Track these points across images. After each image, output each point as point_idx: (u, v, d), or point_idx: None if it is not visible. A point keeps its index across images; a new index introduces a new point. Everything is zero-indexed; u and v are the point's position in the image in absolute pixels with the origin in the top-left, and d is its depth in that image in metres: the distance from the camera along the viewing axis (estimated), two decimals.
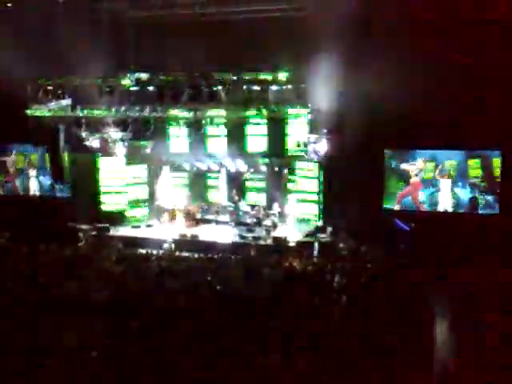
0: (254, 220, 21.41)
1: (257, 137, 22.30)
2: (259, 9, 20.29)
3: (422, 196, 20.30)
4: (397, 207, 20.49)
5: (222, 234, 20.92)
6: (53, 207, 22.68)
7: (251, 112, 20.78)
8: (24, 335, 11.78)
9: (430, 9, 18.16)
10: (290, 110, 20.83)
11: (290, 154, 21.88)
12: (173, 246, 19.82)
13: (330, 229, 20.02)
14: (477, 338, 11.56)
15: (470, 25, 17.73)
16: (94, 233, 21.25)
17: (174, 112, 21.47)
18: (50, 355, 10.52)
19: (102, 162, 22.78)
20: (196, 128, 22.11)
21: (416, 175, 20.21)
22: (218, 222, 22.09)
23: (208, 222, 22.27)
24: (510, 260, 16.01)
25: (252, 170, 22.55)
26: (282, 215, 21.68)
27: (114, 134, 22.13)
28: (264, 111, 20.69)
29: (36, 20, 20.30)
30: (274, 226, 21.08)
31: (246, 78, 20.13)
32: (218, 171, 23.01)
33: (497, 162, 19.42)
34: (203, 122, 21.69)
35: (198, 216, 22.28)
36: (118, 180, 22.78)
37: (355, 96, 18.24)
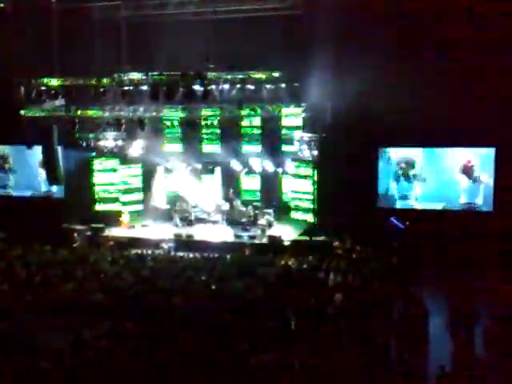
0: (249, 219, 21.43)
1: (251, 136, 22.34)
2: (253, 8, 20.30)
3: None
4: None
5: (218, 233, 20.94)
6: (47, 208, 22.70)
7: (245, 111, 20.77)
8: (20, 335, 11.76)
9: (428, 8, 18.23)
10: (285, 109, 20.84)
11: (284, 152, 21.92)
12: (169, 245, 19.82)
13: (324, 227, 20.03)
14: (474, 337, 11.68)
15: (469, 24, 17.78)
16: (88, 233, 21.23)
17: (168, 111, 21.44)
18: (47, 355, 10.50)
19: (97, 162, 22.77)
20: (190, 127, 22.09)
21: None
22: (214, 222, 22.11)
23: (204, 221, 22.33)
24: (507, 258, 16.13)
25: (247, 169, 22.56)
26: (276, 214, 21.71)
27: (108, 133, 22.10)
28: (258, 110, 20.68)
29: (30, 21, 20.24)
30: (269, 224, 21.11)
31: (240, 77, 20.11)
32: (213, 171, 23.01)
33: None
34: (198, 121, 21.67)
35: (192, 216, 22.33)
36: (112, 180, 22.79)
37: (350, 95, 18.27)
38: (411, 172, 20.82)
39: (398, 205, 21.12)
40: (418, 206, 20.89)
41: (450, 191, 20.46)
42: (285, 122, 21.68)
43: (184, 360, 10.17)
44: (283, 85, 19.88)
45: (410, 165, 20.83)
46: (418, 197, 20.87)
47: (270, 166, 22.01)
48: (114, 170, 22.93)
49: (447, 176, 20.46)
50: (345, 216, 19.35)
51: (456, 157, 20.39)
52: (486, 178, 19.95)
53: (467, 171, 20.21)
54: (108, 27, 20.86)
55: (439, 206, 20.61)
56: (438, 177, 20.60)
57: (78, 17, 20.77)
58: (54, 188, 23.98)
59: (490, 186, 19.88)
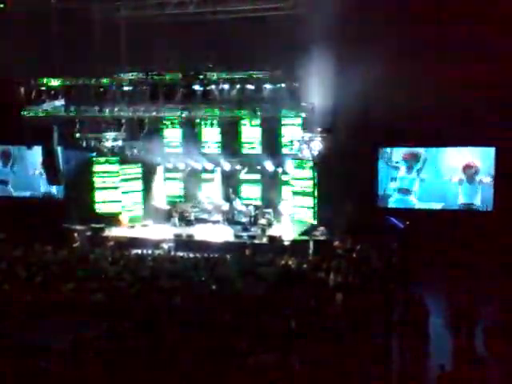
0: (249, 219, 21.44)
1: (251, 136, 22.34)
2: (253, 8, 20.31)
3: None
4: None
5: (218, 233, 20.94)
6: (48, 208, 22.72)
7: (245, 111, 20.76)
8: (21, 336, 11.77)
9: (429, 7, 18.25)
10: (284, 109, 20.82)
11: (284, 152, 21.93)
12: (169, 245, 19.82)
13: (324, 227, 20.04)
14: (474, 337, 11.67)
15: (469, 24, 17.78)
16: (88, 233, 21.23)
17: (168, 112, 21.43)
18: (47, 355, 10.50)
19: (96, 163, 22.77)
20: (190, 128, 22.08)
21: None
22: (214, 222, 22.12)
23: (204, 221, 22.33)
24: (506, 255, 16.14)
25: (247, 169, 22.56)
26: (277, 214, 21.72)
27: (107, 134, 22.10)
28: (258, 110, 20.66)
29: (29, 21, 20.24)
30: (269, 224, 21.12)
31: (240, 77, 20.13)
32: (213, 171, 23.02)
33: None
34: (197, 121, 21.67)
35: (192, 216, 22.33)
36: (112, 180, 22.79)
37: (350, 95, 18.28)
38: (416, 165, 20.88)
39: (396, 201, 21.21)
40: (418, 203, 20.94)
41: (449, 191, 20.51)
42: (285, 122, 21.65)
43: (184, 360, 10.17)
44: (283, 85, 19.88)
45: (415, 158, 20.90)
46: (418, 195, 20.96)
47: (269, 166, 22.02)
48: (114, 171, 22.90)
49: (447, 176, 20.53)
50: (345, 216, 19.38)
51: (457, 156, 20.46)
52: (486, 179, 20.03)
53: (468, 172, 20.25)
54: (108, 27, 20.85)
55: (438, 206, 20.67)
56: (437, 176, 20.66)
57: (78, 17, 20.76)
58: (54, 188, 24.11)
59: (489, 187, 19.97)
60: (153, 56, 20.45)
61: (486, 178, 20.04)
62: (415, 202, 21.03)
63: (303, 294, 13.70)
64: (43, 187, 24.54)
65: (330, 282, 15.01)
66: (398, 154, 21.12)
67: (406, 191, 21.10)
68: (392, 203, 21.27)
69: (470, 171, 20.28)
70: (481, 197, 20.18)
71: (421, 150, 20.81)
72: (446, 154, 20.62)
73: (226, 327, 11.84)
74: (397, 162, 21.03)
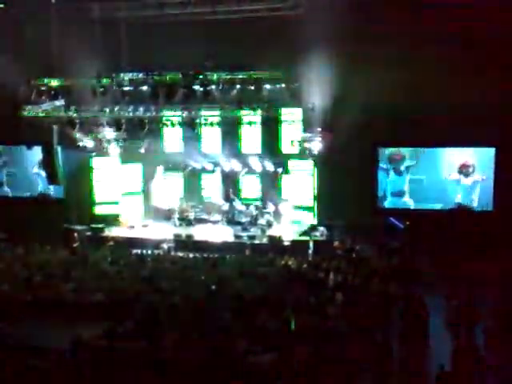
0: (249, 219, 21.43)
1: (251, 136, 22.33)
2: (253, 8, 20.31)
3: None
4: None
5: (218, 233, 20.94)
6: (48, 208, 22.72)
7: (245, 111, 20.73)
8: (20, 335, 11.77)
9: (426, 8, 18.27)
10: (284, 109, 20.82)
11: (284, 152, 21.92)
12: (169, 245, 19.81)
13: (324, 227, 20.04)
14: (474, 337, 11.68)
15: (468, 22, 17.78)
16: (88, 233, 21.22)
17: (168, 112, 21.42)
18: (47, 355, 10.50)
19: (96, 163, 22.77)
20: (190, 128, 22.07)
21: None
22: (214, 222, 22.11)
23: (204, 221, 22.33)
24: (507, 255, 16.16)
25: (246, 169, 22.55)
26: (276, 214, 21.70)
27: (108, 134, 22.09)
28: (258, 110, 20.63)
29: (29, 21, 20.24)
30: (269, 224, 21.11)
31: (240, 77, 20.12)
32: (213, 171, 23.01)
33: None
34: (197, 121, 21.65)
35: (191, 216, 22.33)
36: (112, 180, 22.77)
37: (350, 95, 18.30)
38: (402, 166, 20.90)
39: (392, 203, 21.19)
40: (414, 205, 20.94)
41: (446, 191, 20.52)
42: (284, 121, 21.63)
43: (183, 360, 10.17)
44: (283, 85, 19.88)
45: (401, 158, 20.94)
46: (415, 196, 20.97)
47: (269, 166, 22.00)
48: (114, 171, 22.89)
49: (443, 175, 20.57)
50: (345, 216, 19.40)
51: (453, 156, 20.49)
52: (483, 177, 20.04)
53: (464, 171, 20.26)
54: (108, 27, 20.85)
55: (437, 206, 20.66)
56: (434, 176, 20.68)
57: (78, 17, 20.76)
58: (51, 188, 24.07)
59: (487, 185, 19.96)
60: (153, 56, 20.42)
61: (482, 176, 20.04)
62: (410, 203, 21.04)
63: (303, 295, 13.70)
64: (41, 187, 24.50)
65: (330, 282, 15.01)
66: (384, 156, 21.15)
67: (398, 194, 21.10)
68: (387, 205, 21.29)
69: (466, 170, 20.28)
70: (478, 197, 20.18)
71: (405, 151, 20.86)
72: (443, 153, 20.60)
73: (225, 327, 11.84)
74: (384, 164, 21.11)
